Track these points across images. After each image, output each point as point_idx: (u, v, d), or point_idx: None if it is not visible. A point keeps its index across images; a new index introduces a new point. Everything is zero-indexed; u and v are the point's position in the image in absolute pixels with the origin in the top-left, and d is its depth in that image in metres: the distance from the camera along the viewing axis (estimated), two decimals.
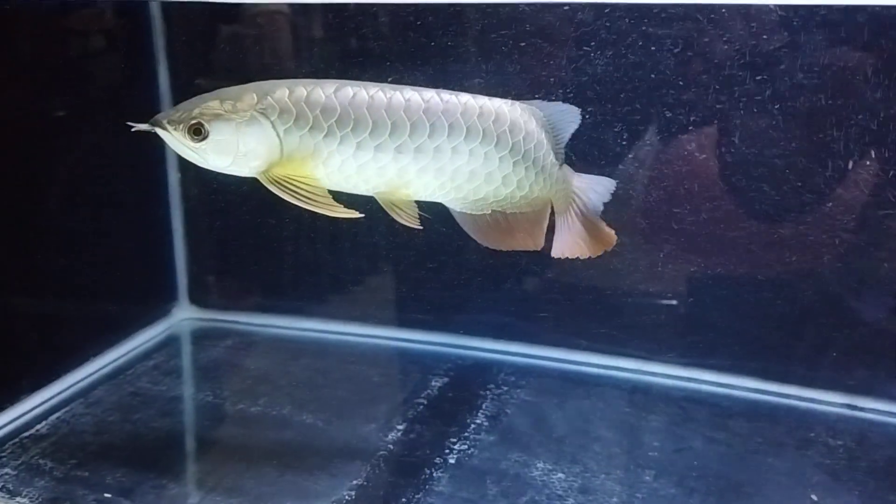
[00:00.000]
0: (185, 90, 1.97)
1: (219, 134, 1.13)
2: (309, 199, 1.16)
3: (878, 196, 1.60)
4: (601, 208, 1.31)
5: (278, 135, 1.15)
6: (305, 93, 1.16)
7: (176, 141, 1.16)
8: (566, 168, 1.29)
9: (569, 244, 1.30)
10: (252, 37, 1.92)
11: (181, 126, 1.15)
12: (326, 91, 1.16)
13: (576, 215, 1.29)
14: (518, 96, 1.28)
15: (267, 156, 1.15)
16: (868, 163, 1.58)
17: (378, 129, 1.15)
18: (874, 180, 1.59)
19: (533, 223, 1.27)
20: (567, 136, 1.27)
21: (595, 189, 1.30)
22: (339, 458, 1.51)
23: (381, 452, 1.52)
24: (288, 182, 1.16)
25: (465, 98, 1.20)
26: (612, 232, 1.31)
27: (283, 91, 1.16)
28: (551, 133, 1.26)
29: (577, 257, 1.31)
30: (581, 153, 1.61)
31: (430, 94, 1.19)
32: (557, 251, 1.31)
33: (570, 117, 1.27)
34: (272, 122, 1.14)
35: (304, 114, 1.15)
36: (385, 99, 1.16)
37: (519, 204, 1.24)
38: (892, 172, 1.57)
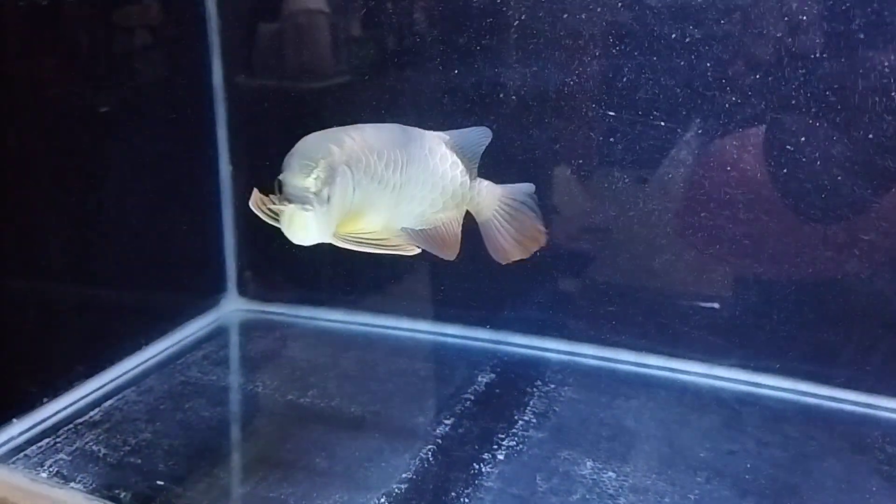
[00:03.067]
0: (237, 84, 2.00)
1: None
2: (376, 244, 1.13)
3: None
4: (527, 210, 1.36)
5: (354, 188, 1.08)
6: (363, 140, 1.11)
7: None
8: (482, 182, 1.32)
9: (500, 247, 1.35)
10: (302, 32, 1.94)
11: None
12: (376, 135, 1.14)
13: (500, 221, 1.35)
14: None
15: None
16: None
17: (398, 170, 1.16)
18: None
19: (444, 236, 1.30)
20: (479, 153, 1.32)
21: (515, 195, 1.36)
22: (389, 451, 1.51)
23: (430, 446, 1.52)
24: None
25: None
26: (542, 231, 1.37)
27: (352, 140, 1.10)
28: (463, 153, 1.29)
29: (522, 258, 1.37)
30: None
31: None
32: (494, 255, 1.36)
33: (480, 138, 1.32)
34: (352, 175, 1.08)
35: (369, 162, 1.11)
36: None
37: (431, 220, 1.28)
38: None
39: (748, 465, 1.48)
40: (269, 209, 1.08)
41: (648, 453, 1.51)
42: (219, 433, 1.59)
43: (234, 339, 2.02)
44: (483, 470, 1.45)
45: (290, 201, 0.99)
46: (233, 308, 2.12)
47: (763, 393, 1.75)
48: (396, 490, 1.39)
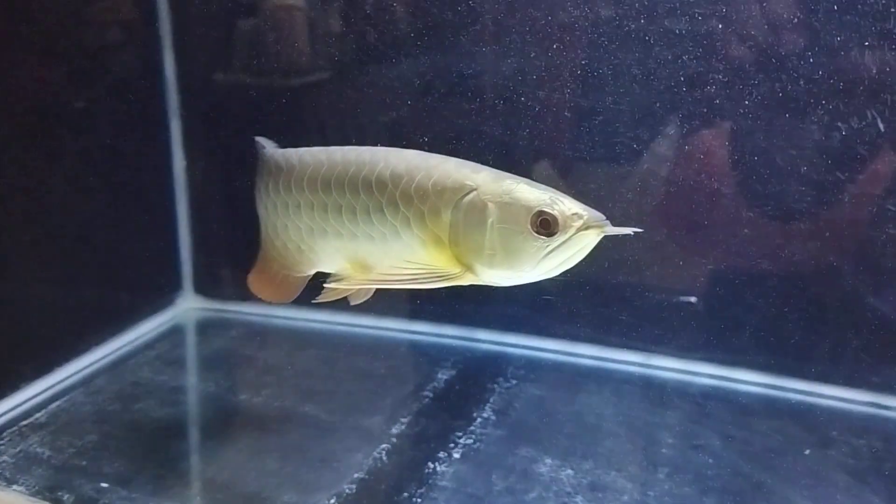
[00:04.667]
0: (191, 77, 1.94)
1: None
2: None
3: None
4: None
5: None
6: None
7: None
8: None
9: None
10: (260, 27, 1.89)
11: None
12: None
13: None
14: None
15: None
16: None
17: None
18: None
19: None
20: None
21: None
22: (342, 451, 1.46)
23: (385, 446, 1.47)
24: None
25: None
26: None
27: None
28: None
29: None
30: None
31: None
32: None
33: None
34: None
35: None
36: None
37: None
38: None
39: (711, 461, 1.44)
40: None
41: (609, 449, 1.47)
42: (168, 434, 1.54)
43: (190, 338, 1.96)
44: (438, 469, 1.40)
45: (592, 226, 0.99)
46: (189, 307, 2.06)
47: (729, 387, 1.71)
48: (347, 490, 1.34)
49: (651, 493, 1.34)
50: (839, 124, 1.53)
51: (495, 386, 1.69)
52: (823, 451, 1.50)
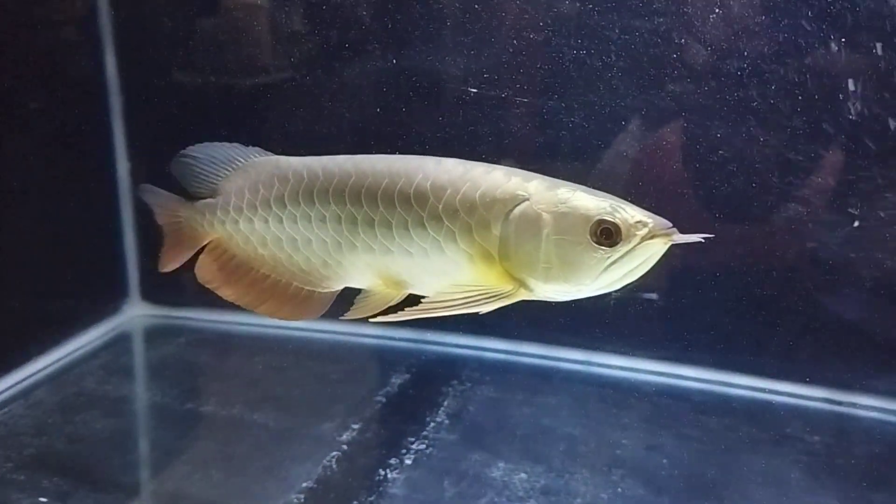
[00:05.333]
0: (135, 81, 1.89)
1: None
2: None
3: (852, 193, 1.55)
4: None
5: None
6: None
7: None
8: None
9: None
10: (206, 26, 1.84)
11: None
12: None
13: None
14: None
15: None
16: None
17: None
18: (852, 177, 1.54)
19: None
20: None
21: None
22: (290, 460, 1.42)
23: (335, 454, 1.43)
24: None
25: None
26: None
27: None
28: None
29: None
30: None
31: None
32: None
33: None
34: None
35: None
36: None
37: None
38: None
39: (665, 461, 1.43)
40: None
41: (563, 452, 1.45)
42: (110, 447, 1.49)
43: (137, 346, 1.91)
44: (389, 476, 1.37)
45: (658, 235, 0.92)
46: (136, 314, 2.00)
47: (685, 385, 1.71)
48: (295, 501, 1.31)
49: (604, 496, 1.32)
50: (792, 125, 1.53)
51: (449, 389, 1.67)
52: (778, 449, 1.49)
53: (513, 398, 1.65)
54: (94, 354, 1.82)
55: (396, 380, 1.70)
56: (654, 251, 0.91)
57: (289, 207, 1.08)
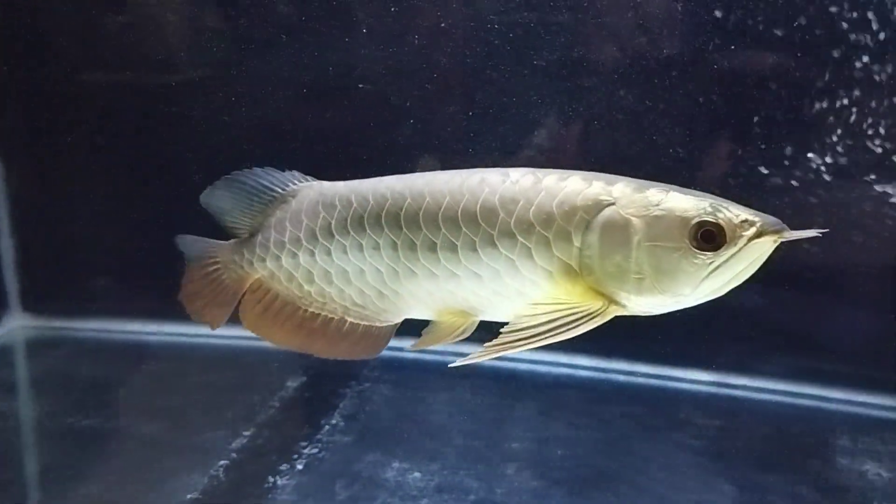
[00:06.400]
0: (7, 81, 1.79)
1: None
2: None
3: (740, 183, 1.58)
4: None
5: None
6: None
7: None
8: None
9: None
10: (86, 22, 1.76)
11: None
12: None
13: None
14: None
15: None
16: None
17: None
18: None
19: None
20: None
21: None
22: (176, 472, 1.36)
23: (223, 462, 1.38)
24: None
25: None
26: None
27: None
28: None
29: None
30: None
31: None
32: None
33: None
34: None
35: None
36: None
37: None
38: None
39: (560, 453, 1.42)
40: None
41: (459, 448, 1.44)
42: None
43: (18, 358, 1.81)
44: (279, 483, 1.33)
45: (767, 233, 0.83)
46: (17, 325, 1.90)
47: (582, 375, 1.71)
48: None
49: (499, 491, 1.31)
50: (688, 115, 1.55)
51: (347, 390, 1.63)
52: (671, 435, 1.51)
53: (411, 396, 1.63)
54: None
55: (292, 383, 1.66)
56: (762, 252, 0.83)
57: (337, 237, 0.97)
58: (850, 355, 1.67)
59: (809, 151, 1.55)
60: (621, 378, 1.69)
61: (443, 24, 1.58)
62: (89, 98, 1.78)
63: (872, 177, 1.54)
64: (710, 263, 0.82)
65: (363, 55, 1.63)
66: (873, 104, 1.52)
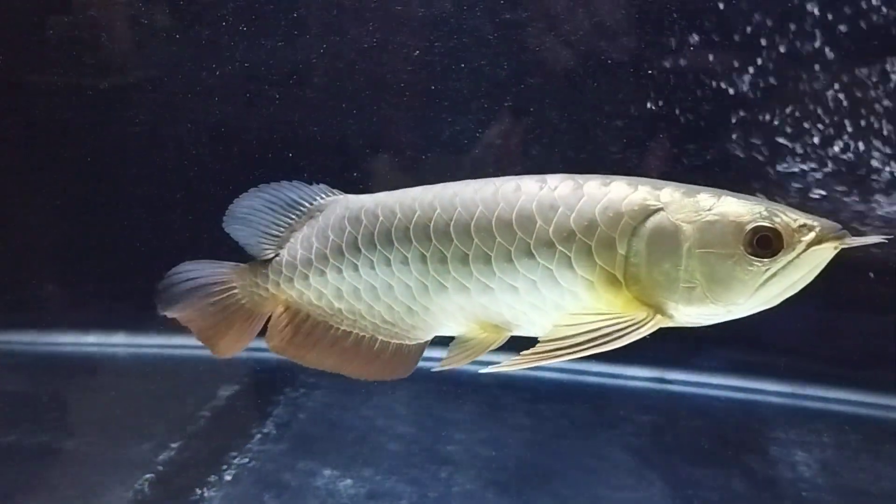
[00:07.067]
0: None
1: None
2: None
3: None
4: None
5: None
6: None
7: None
8: None
9: None
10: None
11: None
12: None
13: None
14: None
15: None
16: None
17: None
18: None
19: None
20: None
21: None
22: (100, 487, 1.32)
23: (149, 476, 1.34)
24: None
25: None
26: None
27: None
28: None
29: None
30: None
31: None
32: None
33: None
34: None
35: None
36: None
37: None
38: None
39: (495, 453, 1.41)
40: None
41: (394, 453, 1.41)
42: None
43: None
44: (206, 495, 1.29)
45: (828, 239, 0.78)
46: None
47: (520, 375, 1.69)
48: None
49: (431, 495, 1.29)
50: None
51: (281, 397, 1.60)
52: (609, 432, 1.51)
53: (348, 402, 1.59)
54: None
55: (225, 392, 1.62)
56: (821, 259, 0.78)
57: (364, 252, 0.92)
58: (785, 349, 1.69)
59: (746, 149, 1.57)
60: (560, 377, 1.68)
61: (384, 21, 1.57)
62: (28, 101, 1.73)
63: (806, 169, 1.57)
64: (767, 271, 0.78)
65: (310, 54, 1.61)
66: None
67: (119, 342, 1.81)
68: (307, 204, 0.95)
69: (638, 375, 1.69)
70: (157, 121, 1.69)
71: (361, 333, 0.96)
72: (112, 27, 1.69)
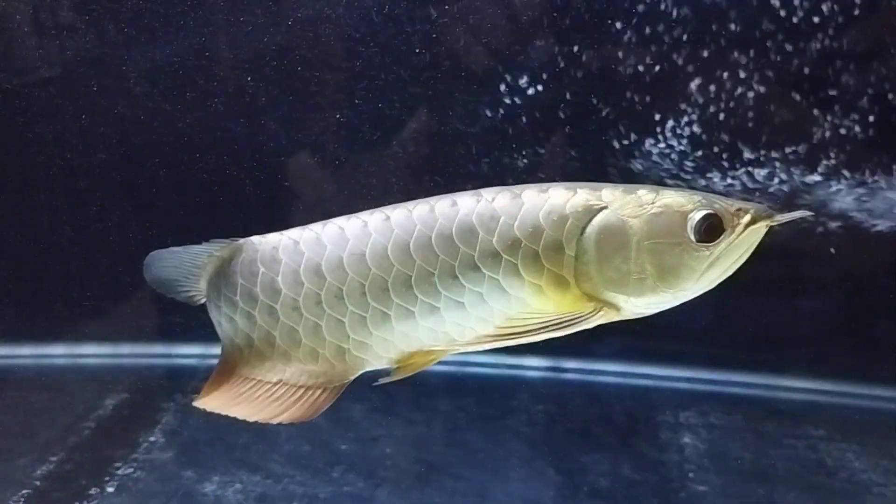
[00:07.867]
0: None
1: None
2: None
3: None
4: None
5: None
6: None
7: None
8: None
9: None
10: None
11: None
12: None
13: None
14: None
15: None
16: None
17: None
18: None
19: None
20: None
21: None
22: None
23: (26, 491, 1.28)
24: None
25: None
26: None
27: None
28: None
29: None
30: None
31: None
32: None
33: None
34: None
35: None
36: None
37: None
38: None
39: (389, 451, 1.40)
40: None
41: (285, 455, 1.39)
42: None
43: None
44: None
45: (761, 218, 0.83)
46: None
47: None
48: None
49: (322, 496, 1.28)
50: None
51: (171, 404, 1.55)
52: (502, 423, 1.52)
53: None
54: None
55: (111, 401, 1.56)
56: (756, 238, 0.83)
57: (285, 291, 0.88)
58: (678, 334, 1.73)
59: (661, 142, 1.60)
60: (454, 370, 1.69)
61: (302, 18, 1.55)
62: None
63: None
64: (711, 255, 0.82)
65: (222, 50, 1.57)
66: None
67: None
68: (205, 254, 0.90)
69: (534, 365, 1.71)
70: (62, 121, 1.62)
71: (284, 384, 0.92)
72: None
